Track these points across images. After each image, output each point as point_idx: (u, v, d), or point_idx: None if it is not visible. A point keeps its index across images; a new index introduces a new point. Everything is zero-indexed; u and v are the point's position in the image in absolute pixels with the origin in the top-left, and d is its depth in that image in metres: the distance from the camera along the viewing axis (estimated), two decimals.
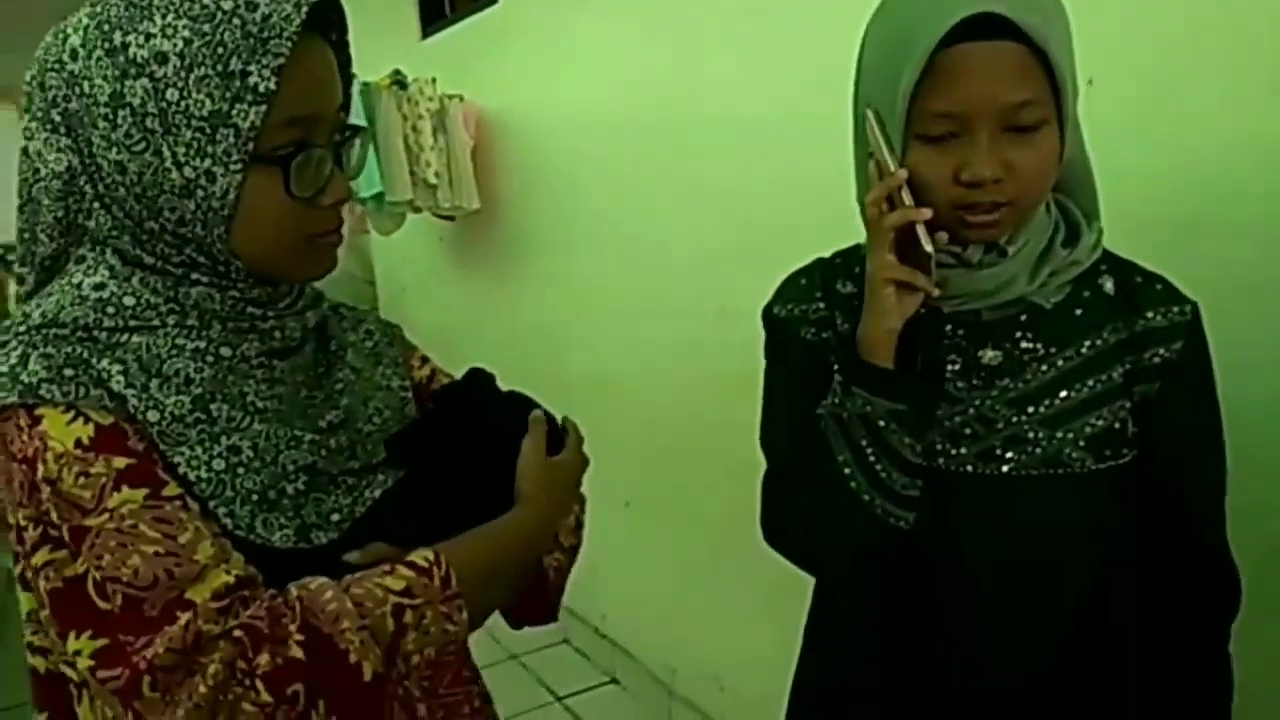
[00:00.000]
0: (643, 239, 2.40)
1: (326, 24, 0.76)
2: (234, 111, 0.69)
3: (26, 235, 0.76)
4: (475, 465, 0.85)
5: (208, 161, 0.70)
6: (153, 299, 0.74)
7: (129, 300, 0.73)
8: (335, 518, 0.77)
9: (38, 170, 0.73)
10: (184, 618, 0.62)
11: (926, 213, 0.85)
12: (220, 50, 0.68)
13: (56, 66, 0.71)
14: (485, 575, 0.77)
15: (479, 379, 0.95)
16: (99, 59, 0.69)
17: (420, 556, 0.72)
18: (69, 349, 0.70)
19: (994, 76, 0.81)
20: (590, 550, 2.84)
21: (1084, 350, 0.93)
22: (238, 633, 0.63)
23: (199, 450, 0.71)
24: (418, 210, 3.06)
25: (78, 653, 0.62)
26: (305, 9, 0.70)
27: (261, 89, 0.69)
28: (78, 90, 0.70)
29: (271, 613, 0.65)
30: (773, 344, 1.04)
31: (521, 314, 3.12)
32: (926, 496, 0.92)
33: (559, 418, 0.95)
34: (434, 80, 2.96)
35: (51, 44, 0.72)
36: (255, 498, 0.72)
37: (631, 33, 2.33)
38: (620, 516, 2.67)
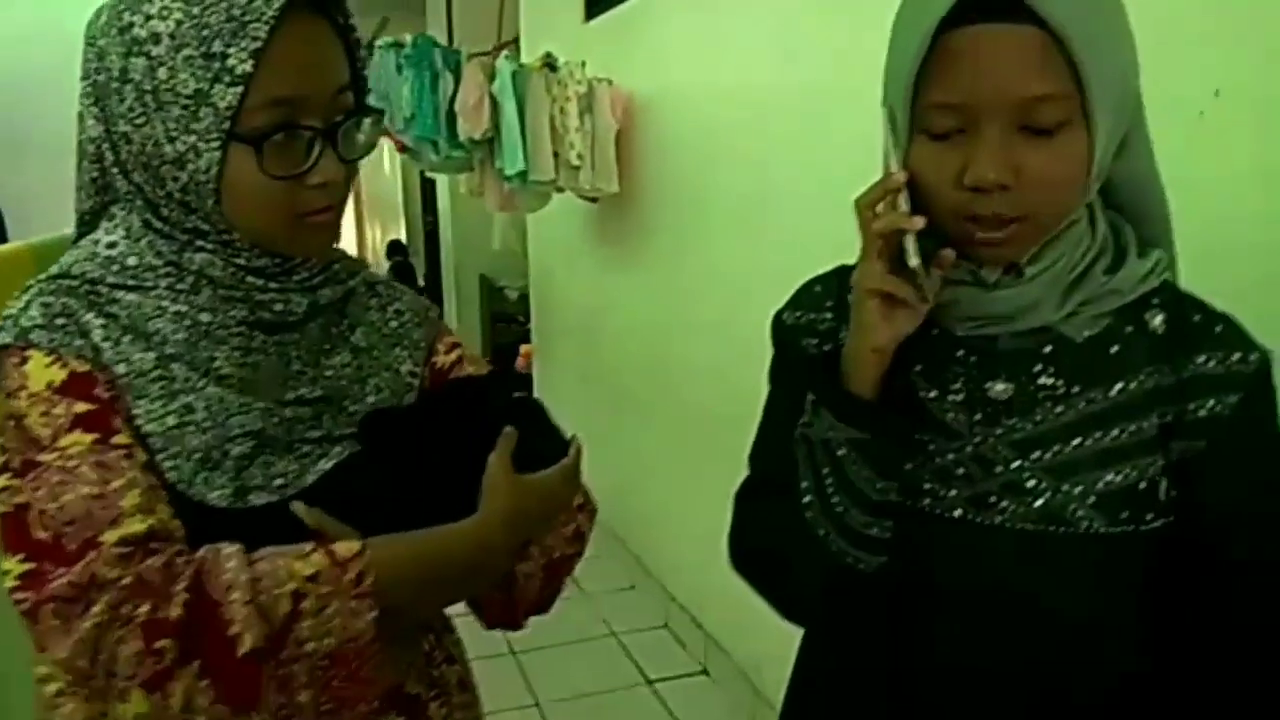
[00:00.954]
0: (777, 230, 2.36)
1: (329, 4, 0.78)
2: (213, 91, 0.72)
3: (76, 192, 0.84)
4: (445, 463, 0.84)
5: (193, 138, 0.74)
6: (154, 261, 0.79)
7: (132, 260, 0.79)
8: (278, 482, 0.79)
9: (80, 133, 0.81)
10: (89, 556, 0.67)
11: (918, 222, 0.75)
12: (205, 32, 0.72)
13: (90, 40, 0.78)
14: (413, 578, 0.77)
15: (495, 381, 0.96)
16: (113, 36, 0.75)
17: (345, 547, 0.73)
18: (66, 300, 0.76)
19: (1003, 65, 0.71)
20: (695, 541, 2.86)
21: (1113, 393, 0.80)
22: (127, 580, 0.66)
23: (156, 405, 0.76)
24: (560, 190, 3.13)
25: (7, 573, 0.68)
26: None
27: (238, 71, 0.72)
28: (101, 64, 0.76)
29: (167, 568, 0.68)
30: (776, 352, 0.96)
31: (653, 296, 3.15)
32: (906, 539, 0.82)
33: (571, 435, 0.93)
34: (583, 64, 3.02)
35: (90, 20, 0.79)
36: (198, 455, 0.76)
37: (778, 22, 2.29)
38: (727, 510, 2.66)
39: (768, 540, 0.88)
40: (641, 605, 3.25)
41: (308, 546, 0.72)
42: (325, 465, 0.82)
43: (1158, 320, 0.82)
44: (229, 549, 0.71)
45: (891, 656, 0.88)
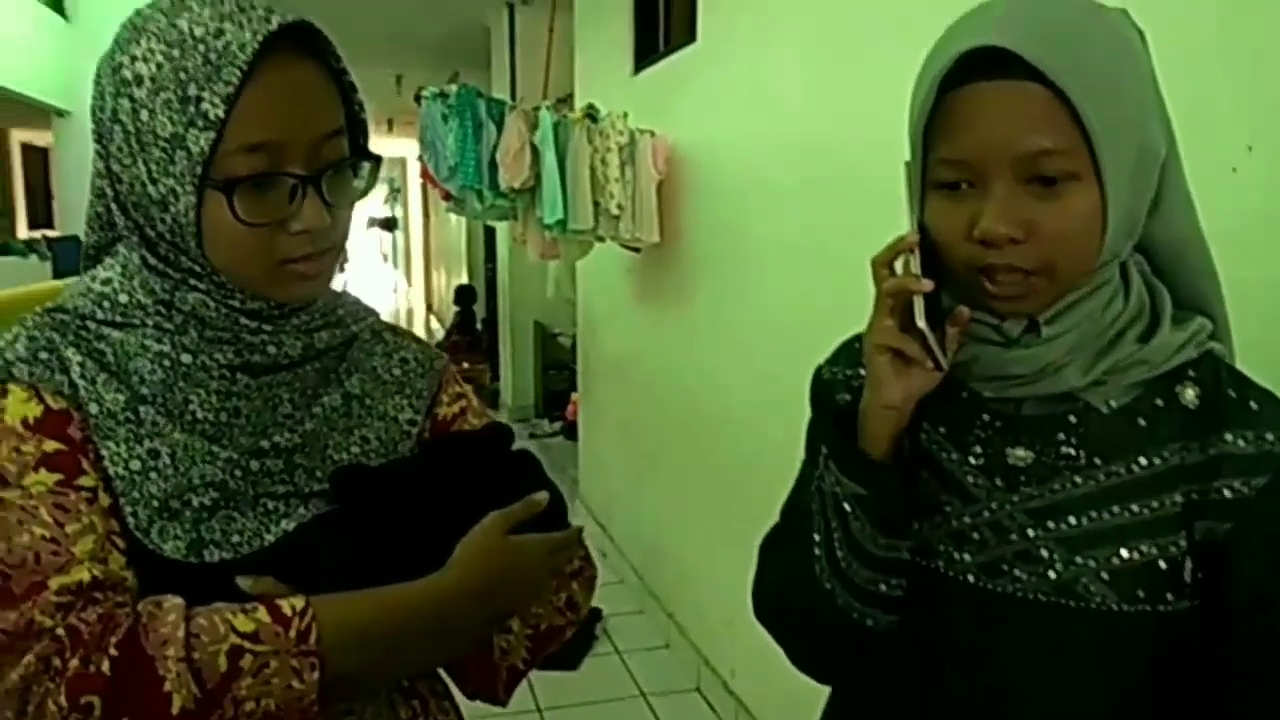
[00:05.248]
0: (816, 283, 2.30)
1: (318, 49, 0.76)
2: (188, 136, 0.71)
3: (85, 227, 0.84)
4: (418, 527, 0.80)
5: (171, 181, 0.73)
6: (145, 299, 0.78)
7: (123, 298, 0.78)
8: (235, 539, 0.76)
9: (91, 169, 0.80)
10: (29, 603, 0.64)
11: (925, 285, 0.74)
12: (183, 76, 0.71)
13: (96, 80, 0.77)
14: (365, 638, 0.72)
15: (491, 436, 0.92)
16: (109, 76, 0.75)
17: (288, 603, 0.70)
18: (52, 334, 0.75)
19: (1004, 120, 0.71)
20: (727, 603, 2.78)
21: (1135, 468, 0.77)
22: (60, 631, 0.64)
23: (122, 448, 0.74)
24: (601, 239, 3.12)
25: None
26: (261, 37, 0.71)
27: (211, 115, 0.70)
28: (101, 103, 0.76)
29: (104, 620, 0.65)
30: (813, 405, 0.96)
31: (692, 348, 3.10)
32: (918, 600, 0.81)
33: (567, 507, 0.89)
34: (625, 115, 3.02)
35: (99, 59, 0.78)
36: (156, 504, 0.73)
37: (817, 76, 2.25)
38: None
39: (784, 591, 0.89)
40: (674, 666, 3.15)
41: (250, 604, 0.69)
42: (287, 525, 0.79)
43: (1190, 394, 0.78)
44: (170, 602, 0.68)
45: (902, 716, 0.86)
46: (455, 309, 9.13)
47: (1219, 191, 1.12)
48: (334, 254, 0.81)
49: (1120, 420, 0.78)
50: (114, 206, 0.79)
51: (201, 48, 0.71)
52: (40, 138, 10.95)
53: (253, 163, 0.73)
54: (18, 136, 11.59)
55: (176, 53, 0.71)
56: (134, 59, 0.72)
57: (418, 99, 3.08)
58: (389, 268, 18.48)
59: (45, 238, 7.08)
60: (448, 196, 3.18)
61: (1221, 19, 1.18)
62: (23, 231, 11.04)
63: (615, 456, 4.09)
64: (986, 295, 0.76)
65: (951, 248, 0.76)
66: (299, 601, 0.70)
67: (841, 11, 2.14)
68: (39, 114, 7.72)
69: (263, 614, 0.68)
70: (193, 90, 0.70)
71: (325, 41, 0.77)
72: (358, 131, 0.82)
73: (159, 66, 0.71)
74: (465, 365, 8.18)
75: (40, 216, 11.53)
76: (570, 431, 5.70)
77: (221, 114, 0.70)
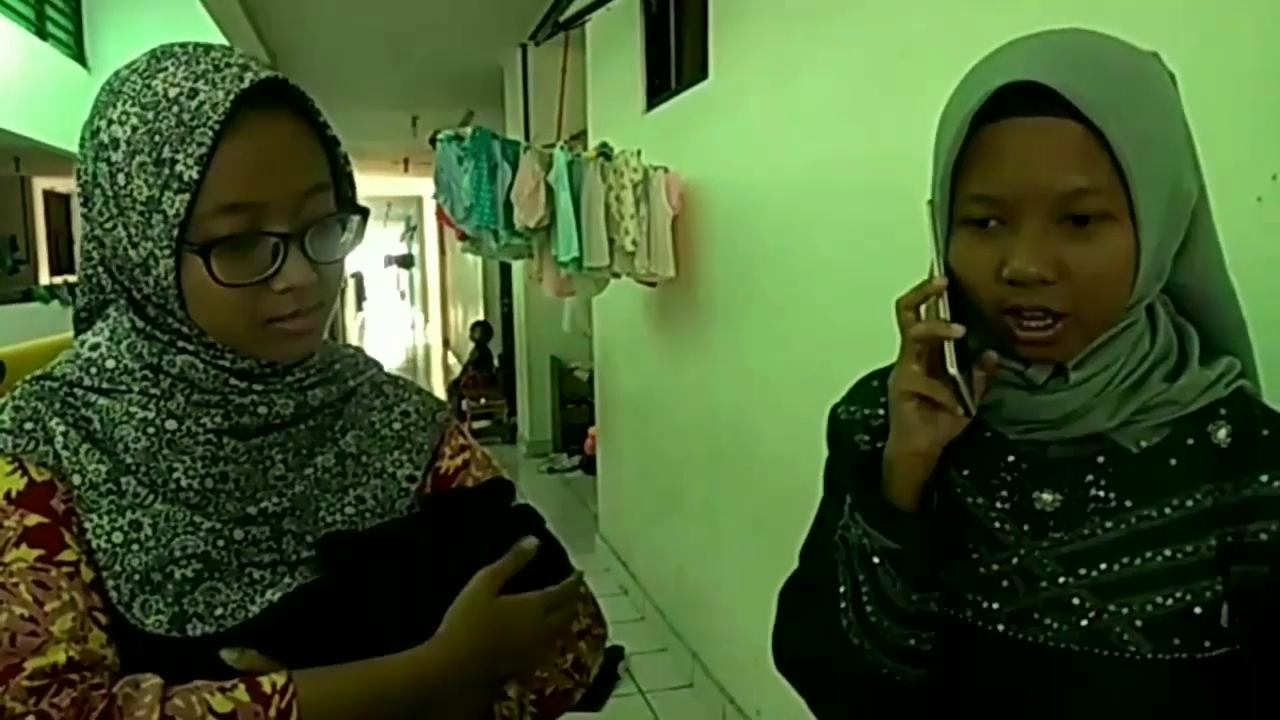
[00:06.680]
0: (835, 318, 2.29)
1: (297, 104, 0.75)
2: (163, 198, 0.70)
3: (76, 289, 0.83)
4: (415, 587, 0.78)
5: (150, 244, 0.72)
6: (132, 364, 0.76)
7: (110, 363, 0.77)
8: (219, 612, 0.74)
9: (80, 232, 0.80)
10: (2, 687, 0.63)
11: (957, 330, 0.73)
12: (157, 138, 0.70)
13: (80, 145, 0.77)
14: (347, 715, 0.70)
15: (490, 492, 0.89)
16: (88, 141, 0.74)
17: (269, 680, 0.68)
18: (38, 404, 0.74)
19: (1038, 157, 0.69)
20: (752, 639, 2.73)
21: (1168, 510, 0.75)
22: (31, 718, 0.62)
23: (105, 520, 0.73)
24: (617, 275, 3.13)
25: None
26: (233, 96, 0.70)
27: (185, 177, 0.69)
28: (82, 167, 0.75)
29: (77, 704, 0.63)
30: (830, 446, 0.94)
31: (711, 382, 3.09)
32: (946, 651, 0.79)
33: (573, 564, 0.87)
34: (639, 152, 3.03)
35: (82, 124, 0.78)
36: (138, 577, 0.72)
37: (830, 110, 2.26)
38: None
39: (807, 643, 0.87)
40: (698, 706, 3.11)
41: (229, 681, 0.68)
42: (273, 595, 0.76)
43: (1222, 433, 0.77)
44: (147, 683, 0.66)
45: None
46: (472, 345, 9.16)
47: (1244, 221, 1.11)
48: (324, 310, 0.80)
49: (1150, 461, 0.76)
50: (100, 270, 0.78)
51: (175, 109, 0.70)
52: (62, 185, 11.12)
53: (232, 223, 0.71)
54: (40, 184, 11.77)
55: (151, 115, 0.70)
56: (110, 122, 0.72)
57: (433, 141, 3.10)
58: (406, 305, 18.59)
59: (66, 283, 7.17)
60: (464, 237, 3.19)
61: (1236, 42, 1.17)
62: (45, 277, 11.19)
63: (635, 490, 4.07)
64: (1014, 340, 0.75)
65: (979, 288, 0.74)
66: (280, 678, 0.68)
67: (850, 53, 2.15)
68: (61, 161, 7.85)
69: (241, 692, 0.67)
70: (167, 152, 0.70)
71: (302, 96, 0.76)
72: (344, 185, 0.81)
73: (134, 129, 0.70)
74: (483, 400, 8.22)
75: (63, 262, 11.69)
76: (590, 466, 5.68)
77: (196, 175, 0.69)
